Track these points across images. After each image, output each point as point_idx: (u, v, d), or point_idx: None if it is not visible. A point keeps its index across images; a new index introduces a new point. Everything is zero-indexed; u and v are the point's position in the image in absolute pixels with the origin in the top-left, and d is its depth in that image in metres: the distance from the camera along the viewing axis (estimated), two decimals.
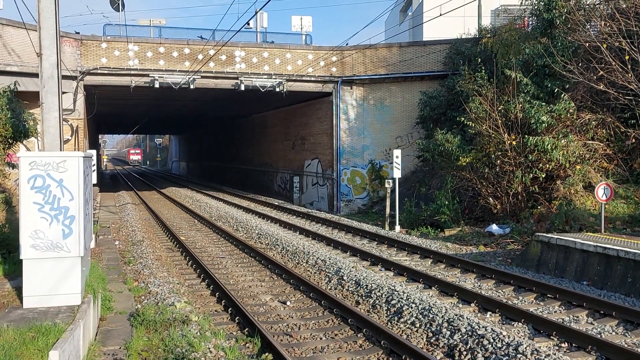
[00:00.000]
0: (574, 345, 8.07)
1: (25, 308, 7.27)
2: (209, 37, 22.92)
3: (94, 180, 13.49)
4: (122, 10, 25.34)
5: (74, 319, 6.82)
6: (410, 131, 25.18)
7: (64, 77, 14.43)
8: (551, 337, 8.40)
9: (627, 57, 15.66)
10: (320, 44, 26.50)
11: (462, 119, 18.70)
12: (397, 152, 20.21)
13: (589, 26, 18.00)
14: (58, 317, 6.88)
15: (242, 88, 23.55)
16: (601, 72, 16.04)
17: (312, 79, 24.72)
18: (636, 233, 13.54)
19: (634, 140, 16.48)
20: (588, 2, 18.56)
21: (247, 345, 8.44)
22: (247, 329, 9.07)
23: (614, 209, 15.21)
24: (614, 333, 8.66)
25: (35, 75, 9.70)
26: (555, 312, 9.82)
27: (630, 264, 10.72)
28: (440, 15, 18.77)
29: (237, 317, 9.69)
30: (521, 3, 20.49)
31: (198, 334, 8.26)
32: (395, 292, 10.27)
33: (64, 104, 13.77)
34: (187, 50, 23.00)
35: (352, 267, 12.57)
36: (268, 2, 12.21)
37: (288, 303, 10.76)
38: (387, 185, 20.41)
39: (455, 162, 18.86)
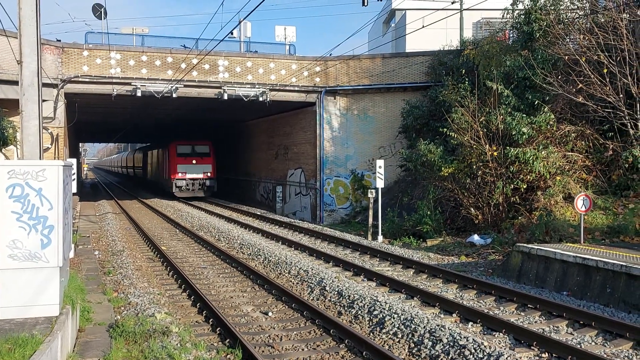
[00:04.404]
0: (554, 355, 8.12)
1: (2, 319, 7.13)
2: (192, 46, 22.87)
3: (74, 189, 13.35)
4: (104, 19, 25.19)
5: (52, 330, 6.71)
6: (393, 141, 25.29)
7: (45, 84, 14.25)
8: (532, 347, 8.45)
9: (605, 71, 15.97)
10: (303, 54, 26.52)
11: (445, 129, 18.84)
12: (380, 162, 20.28)
13: (568, 39, 18.32)
14: (36, 328, 6.76)
15: (225, 97, 23.49)
16: (580, 85, 16.31)
17: (296, 88, 24.74)
18: (614, 244, 13.71)
19: (612, 152, 16.74)
20: (567, 16, 18.90)
21: (228, 356, 8.36)
22: (228, 340, 8.99)
23: (593, 219, 15.40)
24: (593, 343, 8.73)
25: (15, 82, 9.59)
26: (535, 322, 9.88)
27: (609, 275, 10.85)
28: (423, 27, 19.01)
29: (218, 328, 9.60)
30: (502, 16, 20.82)
31: (178, 345, 8.17)
32: (378, 303, 10.27)
33: (44, 112, 13.62)
34: (169, 59, 22.91)
35: (335, 278, 12.54)
36: (252, 12, 12.24)
37: (270, 314, 10.70)
38: (370, 195, 20.45)
39: (437, 172, 18.96)
